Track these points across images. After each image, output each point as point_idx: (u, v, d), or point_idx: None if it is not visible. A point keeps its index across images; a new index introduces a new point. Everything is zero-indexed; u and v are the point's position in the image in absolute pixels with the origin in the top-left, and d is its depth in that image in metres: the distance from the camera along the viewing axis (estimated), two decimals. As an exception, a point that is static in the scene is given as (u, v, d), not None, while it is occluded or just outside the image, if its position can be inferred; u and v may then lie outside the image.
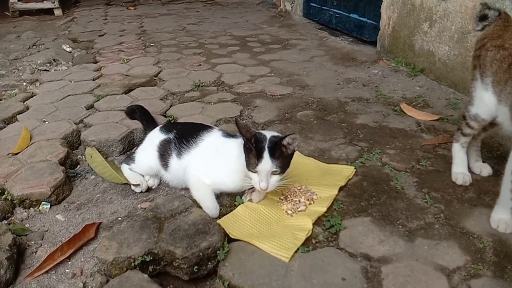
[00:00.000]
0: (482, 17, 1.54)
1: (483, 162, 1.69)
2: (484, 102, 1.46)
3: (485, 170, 1.66)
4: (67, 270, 1.28)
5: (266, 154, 1.37)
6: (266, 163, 1.37)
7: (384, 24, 3.11)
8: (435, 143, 1.89)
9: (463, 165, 1.62)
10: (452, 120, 2.10)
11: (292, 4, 4.88)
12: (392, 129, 2.05)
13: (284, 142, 1.38)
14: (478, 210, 1.46)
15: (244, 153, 1.43)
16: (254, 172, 1.40)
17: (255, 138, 1.39)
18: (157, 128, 1.74)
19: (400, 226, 1.38)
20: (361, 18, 3.54)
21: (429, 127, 2.06)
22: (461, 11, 2.37)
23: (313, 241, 1.33)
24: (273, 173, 1.39)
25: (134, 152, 1.77)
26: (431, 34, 2.63)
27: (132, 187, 1.66)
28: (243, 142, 1.42)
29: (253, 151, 1.38)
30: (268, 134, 1.43)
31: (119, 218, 1.51)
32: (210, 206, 1.45)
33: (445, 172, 1.67)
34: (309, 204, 1.50)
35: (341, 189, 1.59)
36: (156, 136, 1.68)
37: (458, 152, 1.62)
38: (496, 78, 1.39)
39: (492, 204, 1.42)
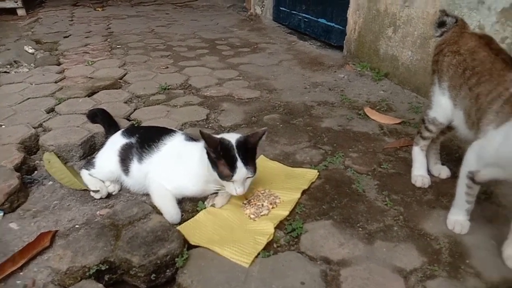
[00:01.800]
0: (441, 24, 1.58)
1: (442, 164, 1.73)
2: (442, 106, 1.50)
3: (444, 172, 1.70)
4: (18, 282, 1.22)
5: (239, 163, 1.38)
6: (241, 171, 1.38)
7: (350, 29, 3.16)
8: (397, 146, 1.92)
9: (422, 167, 1.65)
10: (414, 124, 2.15)
11: (262, 8, 4.90)
12: (356, 132, 2.08)
13: (261, 141, 1.44)
14: (436, 212, 1.50)
15: (210, 162, 1.40)
16: (229, 181, 1.40)
17: (221, 146, 1.38)
18: (119, 132, 1.70)
19: (360, 229, 1.40)
20: (329, 23, 3.59)
21: (391, 130, 2.10)
22: (423, 17, 2.43)
23: (275, 246, 1.33)
24: (248, 177, 1.42)
25: (94, 157, 1.72)
26: (395, 39, 2.69)
27: (92, 193, 1.61)
28: (206, 150, 1.40)
29: (222, 160, 1.37)
30: (232, 138, 1.42)
31: (77, 226, 1.46)
32: (171, 212, 1.42)
33: (405, 174, 1.70)
34: (272, 208, 1.50)
35: (304, 192, 1.59)
36: (117, 140, 1.64)
37: (418, 155, 1.65)
38: (452, 82, 1.43)
39: (450, 205, 1.45)
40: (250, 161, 1.41)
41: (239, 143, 1.41)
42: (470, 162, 1.28)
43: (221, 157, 1.37)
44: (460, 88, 1.39)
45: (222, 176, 1.40)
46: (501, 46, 1.40)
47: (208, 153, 1.40)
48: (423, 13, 2.43)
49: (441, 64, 1.49)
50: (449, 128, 1.57)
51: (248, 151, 1.42)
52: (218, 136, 1.41)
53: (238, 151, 1.39)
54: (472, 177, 1.28)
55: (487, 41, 1.38)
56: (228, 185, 1.41)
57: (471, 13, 2.10)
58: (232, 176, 1.38)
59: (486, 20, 2.02)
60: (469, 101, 1.33)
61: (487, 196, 1.58)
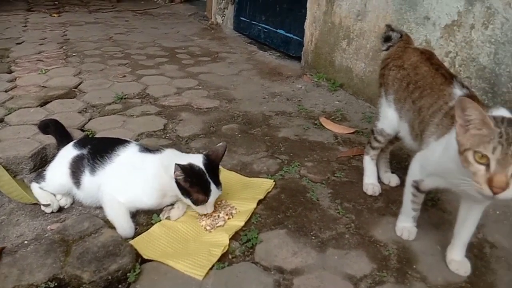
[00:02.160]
0: (387, 38, 1.65)
1: (392, 172, 1.80)
2: (388, 118, 1.57)
3: (393, 180, 1.77)
4: (-42, 303, 1.17)
5: (212, 186, 1.42)
6: (215, 193, 1.44)
7: (307, 40, 3.24)
8: (350, 155, 1.99)
9: (373, 176, 1.72)
10: (366, 133, 2.22)
11: (223, 18, 4.93)
12: (311, 142, 2.13)
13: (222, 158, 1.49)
14: (385, 219, 1.56)
15: (181, 191, 1.42)
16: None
17: (193, 173, 1.39)
18: (71, 144, 1.66)
19: (313, 237, 1.43)
20: (287, 34, 3.66)
21: (345, 139, 2.17)
22: (375, 31, 2.54)
23: (230, 257, 1.34)
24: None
25: (45, 170, 1.67)
26: (349, 51, 2.78)
27: (42, 207, 1.55)
28: (176, 181, 1.40)
29: (196, 187, 1.40)
30: (197, 162, 1.45)
31: (25, 242, 1.40)
32: (124, 225, 1.40)
33: (357, 183, 1.76)
34: (228, 218, 1.50)
35: (260, 202, 1.61)
36: (68, 152, 1.60)
37: (368, 164, 1.72)
38: (397, 96, 1.50)
39: (399, 212, 1.50)
40: (218, 179, 1.47)
41: (206, 165, 1.45)
42: (414, 172, 1.34)
43: (194, 184, 1.39)
44: (404, 101, 1.46)
45: (197, 203, 1.42)
46: (441, 61, 1.49)
47: (178, 183, 1.41)
48: (375, 27, 2.53)
49: (387, 78, 1.56)
50: (397, 138, 1.64)
51: (214, 170, 1.47)
52: (185, 164, 1.41)
53: (208, 174, 1.43)
54: (416, 186, 1.34)
55: (428, 56, 1.46)
56: (200, 207, 1.44)
57: (418, 28, 2.21)
58: (208, 200, 1.42)
59: (432, 35, 2.14)
60: (412, 114, 1.40)
61: (433, 203, 1.66)
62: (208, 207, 1.46)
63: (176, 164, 1.37)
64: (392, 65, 1.54)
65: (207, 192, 1.42)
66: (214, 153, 1.51)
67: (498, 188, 0.93)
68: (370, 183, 1.70)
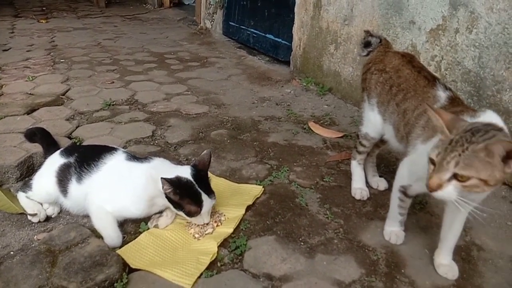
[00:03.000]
0: (367, 44, 1.67)
1: (380, 176, 1.81)
2: (372, 121, 1.58)
3: (381, 184, 1.78)
4: None
5: (204, 196, 1.41)
6: (207, 203, 1.43)
7: (295, 45, 3.26)
8: (339, 159, 2.00)
9: (361, 180, 1.72)
10: (355, 137, 2.22)
11: (212, 22, 4.93)
12: (300, 146, 2.13)
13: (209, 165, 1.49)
14: (374, 223, 1.56)
15: (173, 205, 1.42)
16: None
17: (181, 186, 1.39)
18: (57, 152, 1.65)
19: (302, 243, 1.43)
20: (276, 39, 3.67)
21: (334, 144, 2.18)
22: (361, 35, 2.54)
23: (219, 264, 1.33)
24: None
25: (32, 179, 1.65)
26: (337, 55, 2.80)
27: (29, 217, 1.53)
28: (166, 195, 1.40)
29: (187, 199, 1.39)
30: (185, 173, 1.44)
31: (12, 253, 1.39)
32: (111, 235, 1.39)
33: (346, 187, 1.77)
34: (217, 226, 1.50)
35: (249, 208, 1.61)
36: (55, 161, 1.59)
37: (356, 169, 1.72)
38: (380, 99, 1.52)
39: (386, 217, 1.51)
40: (209, 189, 1.46)
41: (195, 176, 1.44)
42: (401, 177, 1.35)
43: (185, 196, 1.39)
44: (388, 104, 1.47)
45: (191, 214, 1.42)
46: (422, 63, 1.51)
47: (168, 198, 1.40)
48: (361, 32, 2.54)
49: (369, 82, 1.57)
50: (383, 141, 1.65)
51: (204, 180, 1.46)
52: (173, 177, 1.40)
53: (198, 184, 1.42)
54: (404, 191, 1.35)
55: (409, 59, 1.48)
56: (196, 218, 1.44)
57: (404, 32, 2.24)
58: (201, 210, 1.41)
59: (418, 39, 2.16)
60: (397, 116, 1.41)
61: (421, 207, 1.67)
62: (204, 217, 1.45)
63: (162, 178, 1.35)
64: (374, 69, 1.55)
65: (199, 203, 1.41)
66: (200, 162, 1.50)
67: (430, 187, 1.02)
68: (358, 187, 1.71)
